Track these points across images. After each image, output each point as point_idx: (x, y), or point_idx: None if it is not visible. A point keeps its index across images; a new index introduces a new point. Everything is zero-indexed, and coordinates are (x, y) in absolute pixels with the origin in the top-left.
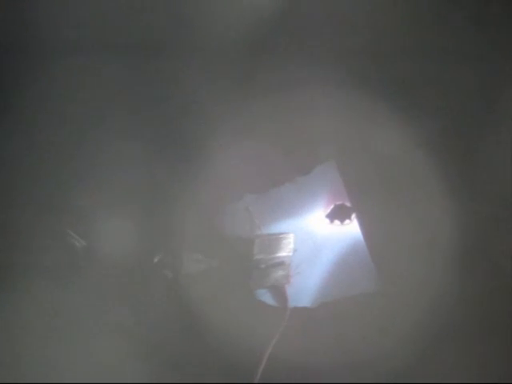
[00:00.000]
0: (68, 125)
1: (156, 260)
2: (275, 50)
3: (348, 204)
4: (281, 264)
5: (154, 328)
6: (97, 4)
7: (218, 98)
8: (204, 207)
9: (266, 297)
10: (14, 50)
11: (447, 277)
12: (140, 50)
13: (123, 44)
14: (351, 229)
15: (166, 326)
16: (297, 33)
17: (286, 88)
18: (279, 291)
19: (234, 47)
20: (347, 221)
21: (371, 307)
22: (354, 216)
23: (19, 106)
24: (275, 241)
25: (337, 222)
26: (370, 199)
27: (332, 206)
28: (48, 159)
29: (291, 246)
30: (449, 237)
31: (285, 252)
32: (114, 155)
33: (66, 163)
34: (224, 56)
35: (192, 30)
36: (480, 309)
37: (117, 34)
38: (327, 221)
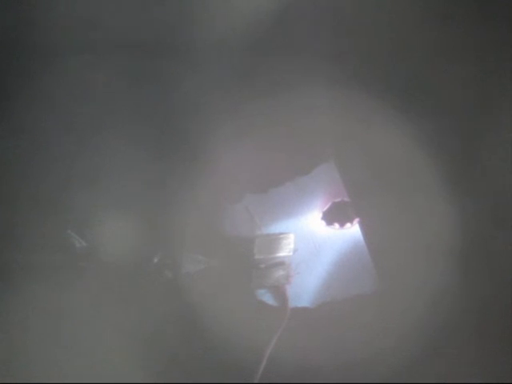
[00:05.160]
0: (69, 125)
1: (156, 260)
2: (274, 50)
3: (346, 199)
4: (281, 264)
5: (154, 328)
6: (97, 5)
7: (218, 98)
8: (204, 207)
9: (266, 297)
10: (16, 51)
11: (447, 277)
12: (140, 51)
13: (123, 44)
14: (351, 229)
15: (166, 326)
16: (296, 33)
17: (286, 88)
18: (279, 291)
19: (233, 47)
20: (348, 225)
21: (371, 307)
22: (356, 221)
23: (21, 107)
24: (275, 241)
25: (336, 225)
26: (370, 199)
27: (330, 204)
28: (48, 159)
29: (291, 246)
30: (448, 237)
31: (285, 252)
32: (115, 155)
33: (67, 163)
34: (223, 56)
35: (192, 31)
36: (480, 309)
37: (117, 34)
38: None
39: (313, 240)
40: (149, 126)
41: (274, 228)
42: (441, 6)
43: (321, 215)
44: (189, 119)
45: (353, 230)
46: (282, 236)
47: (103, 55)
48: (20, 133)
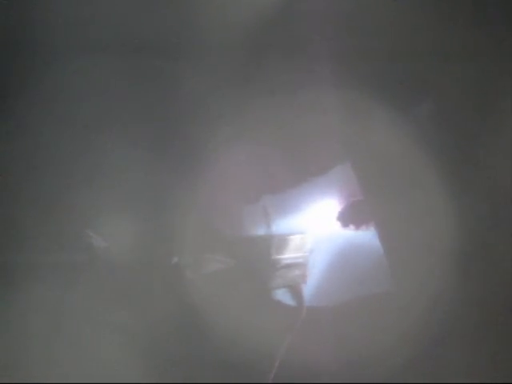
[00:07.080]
0: (69, 126)
1: (175, 261)
2: (276, 50)
3: (362, 201)
4: (297, 264)
5: (166, 330)
6: (97, 5)
7: (220, 99)
8: (222, 208)
9: (282, 296)
10: (16, 51)
11: (447, 277)
12: (140, 51)
13: (124, 44)
14: (366, 230)
15: (182, 326)
16: (297, 33)
17: (288, 88)
18: (295, 291)
19: (234, 47)
20: (363, 226)
21: (376, 307)
22: (371, 223)
23: (21, 107)
24: (292, 241)
25: (351, 226)
26: (386, 200)
27: (345, 205)
28: (49, 160)
29: (308, 246)
30: (449, 237)
31: (301, 252)
32: (120, 155)
33: (68, 164)
34: (224, 56)
35: (192, 31)
36: (480, 309)
37: (117, 34)
38: (342, 221)
39: (328, 240)
40: (151, 126)
41: (291, 229)
42: (441, 6)
43: (336, 216)
44: (190, 120)
45: (368, 231)
46: (298, 236)
47: (103, 55)
48: (20, 133)
